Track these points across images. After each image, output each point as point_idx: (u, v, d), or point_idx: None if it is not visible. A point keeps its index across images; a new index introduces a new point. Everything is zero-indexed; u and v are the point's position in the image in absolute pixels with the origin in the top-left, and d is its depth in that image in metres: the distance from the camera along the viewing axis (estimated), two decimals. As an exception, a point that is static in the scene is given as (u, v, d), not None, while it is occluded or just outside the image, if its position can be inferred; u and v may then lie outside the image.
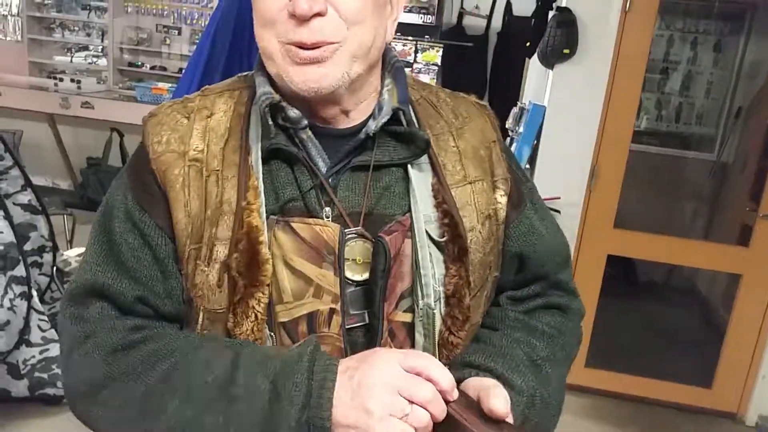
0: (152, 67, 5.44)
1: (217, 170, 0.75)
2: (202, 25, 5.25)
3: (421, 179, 0.79)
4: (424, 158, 0.80)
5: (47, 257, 2.64)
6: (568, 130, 2.70)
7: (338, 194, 0.77)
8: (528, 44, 2.94)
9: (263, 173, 0.76)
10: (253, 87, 0.79)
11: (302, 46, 0.70)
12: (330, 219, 0.76)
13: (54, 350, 2.44)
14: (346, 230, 0.76)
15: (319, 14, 0.68)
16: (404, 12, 4.70)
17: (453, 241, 0.77)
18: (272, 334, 0.75)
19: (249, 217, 0.73)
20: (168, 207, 0.75)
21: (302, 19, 0.68)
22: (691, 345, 3.47)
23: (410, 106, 0.82)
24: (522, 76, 3.62)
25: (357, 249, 0.76)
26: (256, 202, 0.73)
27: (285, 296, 0.75)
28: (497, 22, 4.65)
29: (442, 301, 0.78)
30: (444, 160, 0.81)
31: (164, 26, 5.41)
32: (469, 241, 0.78)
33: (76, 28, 5.63)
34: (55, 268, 2.67)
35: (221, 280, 0.73)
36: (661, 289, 4.22)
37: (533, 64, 3.16)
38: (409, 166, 0.79)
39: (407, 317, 0.78)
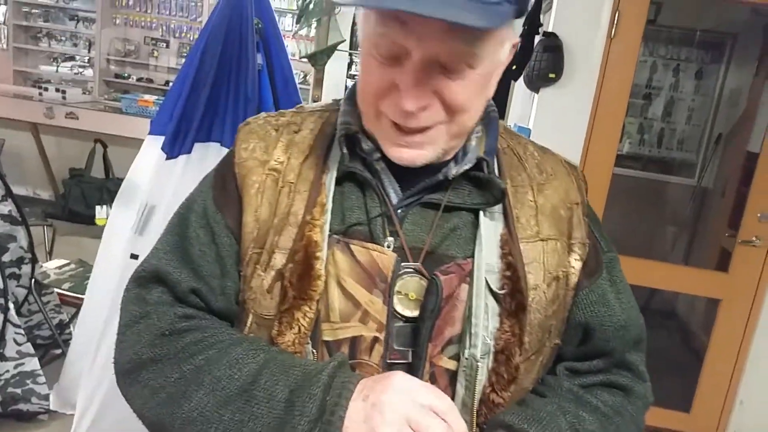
0: (139, 79, 5.43)
1: (292, 183, 0.77)
2: (191, 38, 5.26)
3: (490, 227, 0.78)
4: (498, 207, 0.79)
5: (26, 269, 2.60)
6: (552, 153, 2.73)
7: (404, 227, 0.77)
8: (514, 67, 2.98)
9: (334, 193, 0.77)
10: None
11: (405, 130, 0.71)
12: (391, 249, 0.76)
13: (29, 365, 2.39)
14: (403, 263, 0.75)
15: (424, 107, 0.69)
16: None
17: (512, 296, 0.75)
18: (314, 350, 0.75)
19: (311, 231, 0.74)
20: (240, 210, 0.78)
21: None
22: (670, 369, 3.49)
23: (495, 156, 0.81)
24: (507, 98, 3.67)
25: (412, 284, 0.75)
26: (321, 219, 0.75)
27: (332, 315, 0.75)
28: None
29: (491, 355, 0.75)
30: (518, 212, 0.79)
31: (152, 39, 5.42)
32: (530, 299, 0.75)
33: (63, 38, 5.61)
34: (33, 281, 2.63)
35: (273, 287, 0.75)
36: (641, 312, 4.25)
37: (519, 87, 3.20)
38: (481, 212, 0.78)
39: (452, 364, 0.76)
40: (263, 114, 0.86)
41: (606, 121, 2.69)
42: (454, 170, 0.76)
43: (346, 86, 4.89)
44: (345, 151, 0.77)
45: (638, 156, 4.40)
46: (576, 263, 0.80)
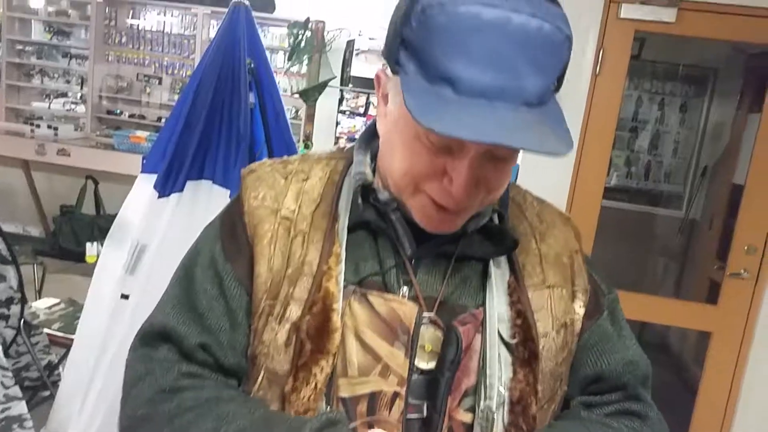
0: (131, 115, 5.45)
1: (305, 232, 0.76)
2: (184, 75, 5.31)
3: (498, 276, 0.77)
4: (504, 255, 0.79)
5: (14, 309, 2.57)
6: (540, 186, 2.72)
7: (417, 277, 0.76)
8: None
9: (348, 242, 0.76)
10: (350, 158, 0.82)
11: (446, 208, 0.70)
12: (406, 298, 0.75)
13: (16, 409, 2.35)
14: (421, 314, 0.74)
15: None
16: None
17: (524, 344, 0.74)
18: (329, 407, 0.73)
19: (328, 282, 0.72)
20: (251, 260, 0.77)
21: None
22: (664, 403, 3.46)
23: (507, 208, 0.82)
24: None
25: (428, 335, 0.74)
26: (336, 269, 0.73)
27: (350, 369, 0.73)
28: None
29: (506, 406, 0.73)
30: (524, 260, 0.79)
31: (145, 75, 5.46)
32: (541, 347, 0.75)
33: (56, 75, 5.65)
34: (22, 321, 2.60)
35: (289, 340, 0.72)
36: (634, 344, 4.24)
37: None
38: (490, 261, 0.78)
39: (468, 417, 0.74)
40: (267, 161, 0.85)
41: (593, 155, 2.73)
42: (472, 225, 0.76)
43: (337, 122, 4.94)
44: (360, 201, 0.76)
45: (626, 188, 4.45)
46: (580, 310, 0.81)
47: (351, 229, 0.77)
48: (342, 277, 0.74)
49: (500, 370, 0.73)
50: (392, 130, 0.72)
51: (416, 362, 0.73)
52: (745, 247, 2.69)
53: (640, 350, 0.87)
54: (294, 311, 0.73)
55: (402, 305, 0.74)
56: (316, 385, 0.71)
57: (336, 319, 0.71)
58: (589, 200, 2.77)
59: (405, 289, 0.75)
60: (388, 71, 0.72)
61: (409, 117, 0.64)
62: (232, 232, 0.79)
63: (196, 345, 0.76)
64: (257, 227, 0.77)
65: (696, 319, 2.91)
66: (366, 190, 0.77)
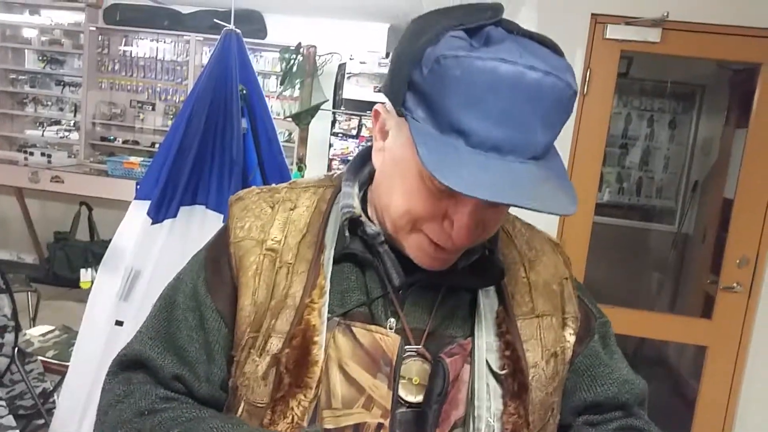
0: (125, 141, 5.48)
1: (290, 263, 0.76)
2: (177, 100, 5.35)
3: (487, 306, 0.77)
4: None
5: (9, 337, 2.57)
6: (533, 205, 2.77)
7: (404, 308, 0.75)
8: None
9: (333, 273, 0.75)
10: (338, 186, 0.81)
11: (444, 248, 0.70)
12: (393, 330, 0.74)
13: (10, 437, 2.33)
14: (407, 346, 0.74)
15: None
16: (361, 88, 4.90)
17: (513, 376, 0.74)
18: None
19: (309, 314, 0.72)
20: (233, 292, 0.77)
21: None
22: (662, 417, 3.46)
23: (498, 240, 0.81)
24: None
25: (415, 368, 0.74)
26: (320, 302, 0.73)
27: (334, 401, 0.72)
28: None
29: None
30: (513, 289, 0.79)
31: (138, 102, 5.50)
32: (531, 378, 0.75)
33: (49, 103, 5.68)
34: (16, 349, 2.59)
35: (268, 373, 0.72)
36: (632, 360, 4.23)
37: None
38: (479, 291, 0.77)
39: None
40: (255, 189, 0.84)
41: (584, 172, 2.76)
42: (463, 261, 0.76)
43: (330, 144, 4.97)
44: (347, 234, 0.76)
45: (618, 204, 4.49)
46: (570, 337, 0.80)
47: (338, 260, 0.76)
48: (326, 309, 0.73)
49: (489, 401, 0.73)
50: (392, 168, 0.71)
51: (404, 395, 0.73)
52: (737, 261, 2.71)
53: (633, 373, 0.87)
54: (275, 344, 0.72)
55: (385, 336, 0.73)
56: (293, 418, 0.70)
57: (317, 352, 0.71)
58: (580, 217, 2.79)
59: (392, 320, 0.74)
60: (389, 106, 0.70)
61: (412, 159, 0.64)
62: (216, 264, 0.79)
63: (171, 376, 0.76)
64: (242, 259, 0.77)
65: (691, 333, 2.92)
66: (353, 223, 0.76)
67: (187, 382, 0.76)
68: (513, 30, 0.65)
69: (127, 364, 0.79)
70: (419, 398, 0.73)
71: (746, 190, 2.68)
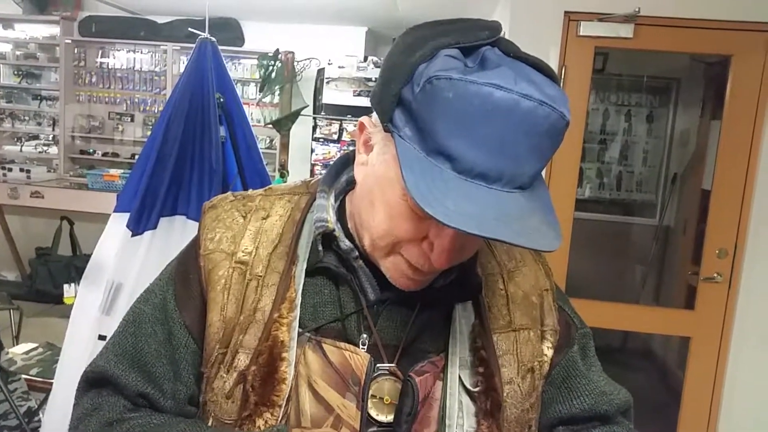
0: (104, 154, 5.43)
1: (260, 276, 0.73)
2: (155, 110, 5.32)
3: (463, 319, 0.75)
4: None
5: (-9, 356, 2.54)
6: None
7: (378, 324, 0.73)
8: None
9: (306, 286, 0.73)
10: (313, 194, 0.79)
11: (421, 270, 0.68)
12: (365, 347, 0.72)
13: (-4, 457, 2.30)
14: (378, 365, 0.71)
15: None
16: (348, 94, 4.91)
17: (486, 393, 0.72)
18: None
19: (277, 330, 0.70)
20: (202, 307, 0.75)
21: None
22: (650, 409, 3.50)
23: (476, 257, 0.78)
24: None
25: (386, 387, 0.71)
26: (289, 316, 0.70)
27: (304, 420, 0.70)
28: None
29: None
30: (490, 301, 0.77)
31: (117, 113, 5.46)
32: (505, 395, 0.73)
33: (27, 118, 5.62)
34: (-1, 368, 2.56)
35: (233, 391, 0.70)
36: (618, 354, 4.28)
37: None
38: (456, 305, 0.75)
39: None
40: (230, 195, 0.82)
41: (562, 169, 2.78)
42: (441, 281, 0.74)
43: (312, 149, 4.97)
44: (320, 249, 0.73)
45: (599, 200, 4.52)
46: (548, 351, 0.78)
47: (311, 273, 0.74)
48: (296, 324, 0.71)
49: (462, 419, 0.71)
50: (374, 183, 0.68)
51: (375, 414, 0.71)
52: (717, 251, 2.75)
53: (612, 384, 0.85)
54: (242, 360, 0.71)
55: (354, 354, 0.71)
56: None
57: (285, 369, 0.69)
58: (561, 214, 2.82)
59: (365, 336, 0.72)
60: (374, 119, 0.68)
61: (395, 178, 0.62)
62: (185, 278, 0.77)
63: (137, 394, 0.74)
64: (211, 273, 0.74)
65: (675, 324, 2.96)
66: (327, 238, 0.74)
67: (152, 400, 0.74)
68: (509, 52, 0.63)
69: (92, 382, 0.77)
70: (390, 418, 0.71)
71: (723, 180, 2.72)
